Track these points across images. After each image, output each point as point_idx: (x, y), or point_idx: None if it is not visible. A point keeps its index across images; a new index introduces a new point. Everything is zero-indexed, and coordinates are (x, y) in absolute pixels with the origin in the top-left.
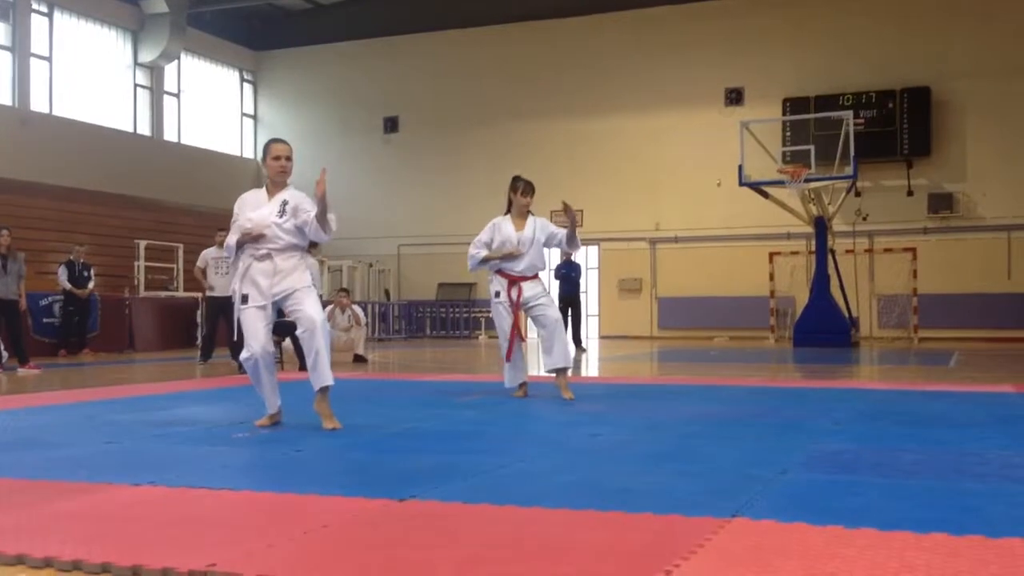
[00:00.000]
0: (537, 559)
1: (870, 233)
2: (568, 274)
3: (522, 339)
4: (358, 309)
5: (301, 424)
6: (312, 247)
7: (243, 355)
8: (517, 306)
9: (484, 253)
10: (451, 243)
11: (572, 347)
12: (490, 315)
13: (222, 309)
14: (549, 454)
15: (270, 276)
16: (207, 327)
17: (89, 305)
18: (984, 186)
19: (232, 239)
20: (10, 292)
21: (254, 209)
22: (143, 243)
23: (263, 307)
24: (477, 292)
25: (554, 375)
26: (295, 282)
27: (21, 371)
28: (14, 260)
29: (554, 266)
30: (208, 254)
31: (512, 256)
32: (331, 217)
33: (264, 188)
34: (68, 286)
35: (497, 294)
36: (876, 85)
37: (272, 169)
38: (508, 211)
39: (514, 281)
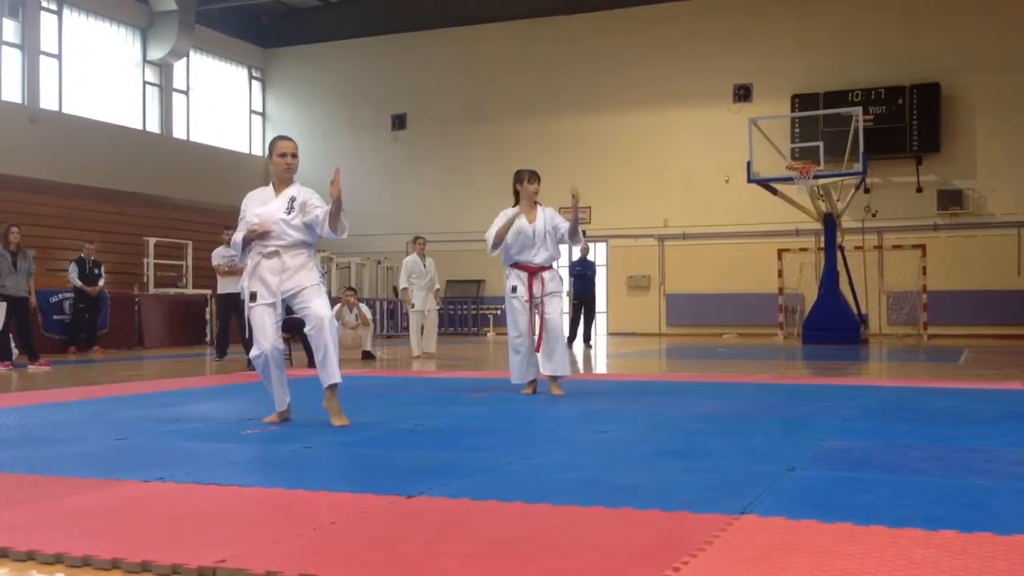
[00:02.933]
0: (545, 556)
1: (879, 230)
2: (583, 272)
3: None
4: (365, 308)
5: (310, 421)
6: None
7: (253, 352)
8: (539, 299)
9: (497, 228)
10: (459, 240)
11: (576, 348)
12: (498, 312)
13: (233, 305)
14: (557, 451)
15: (278, 273)
16: (220, 324)
17: (99, 302)
18: (994, 182)
19: (239, 236)
20: (20, 289)
21: (261, 205)
22: (152, 240)
23: (272, 304)
24: (486, 289)
25: (549, 375)
26: (303, 280)
27: (31, 367)
28: (24, 258)
29: (568, 264)
30: (218, 252)
31: (528, 248)
32: (343, 215)
33: (271, 185)
34: (78, 283)
35: (514, 289)
36: (885, 81)
37: (278, 166)
38: (516, 203)
39: (534, 273)
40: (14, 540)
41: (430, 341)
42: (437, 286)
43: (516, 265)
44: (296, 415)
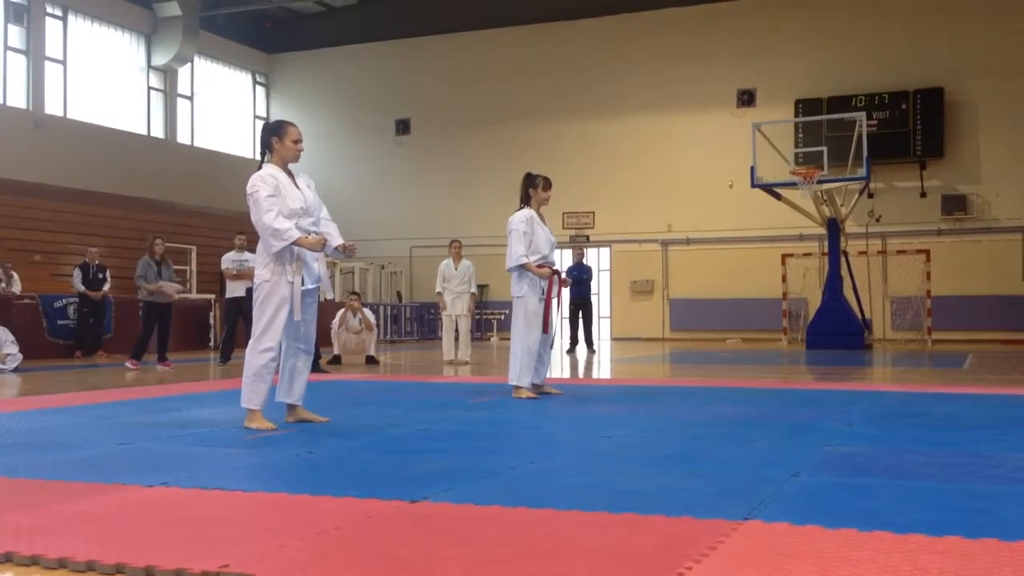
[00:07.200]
0: (549, 561)
1: (883, 235)
2: (580, 276)
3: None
4: (368, 312)
5: (311, 426)
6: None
7: (265, 345)
8: (550, 297)
9: (525, 260)
10: (463, 244)
11: (579, 353)
12: (501, 317)
13: (240, 309)
14: (561, 455)
15: (318, 260)
16: (227, 328)
17: (103, 307)
18: (997, 187)
19: (291, 230)
20: (165, 296)
21: (294, 190)
22: None
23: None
24: (489, 294)
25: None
26: (323, 273)
27: (159, 367)
28: (167, 267)
29: (565, 268)
30: (228, 257)
31: (552, 250)
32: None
33: (275, 167)
34: (82, 288)
35: (543, 291)
36: (889, 86)
37: (292, 152)
38: (523, 206)
39: (554, 272)
40: (18, 544)
41: (462, 348)
42: (472, 290)
43: (541, 266)
44: (292, 420)
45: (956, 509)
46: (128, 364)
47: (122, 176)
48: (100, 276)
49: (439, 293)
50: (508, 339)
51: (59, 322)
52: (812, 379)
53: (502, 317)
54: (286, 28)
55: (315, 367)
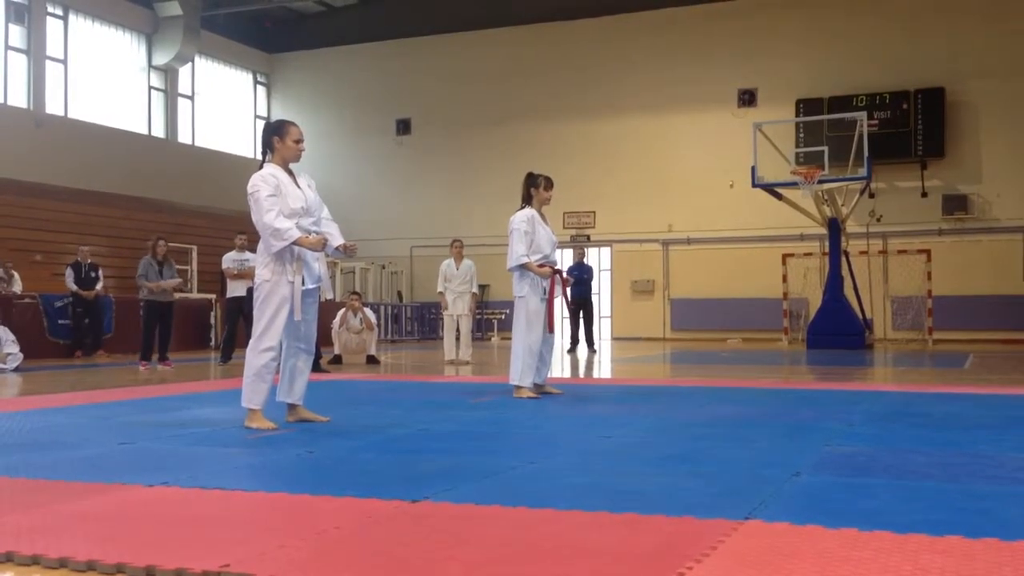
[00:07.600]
0: (549, 561)
1: (884, 234)
2: (580, 276)
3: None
4: (369, 312)
5: (312, 426)
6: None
7: (265, 343)
8: (552, 297)
9: (526, 259)
10: (464, 244)
11: (580, 353)
12: (502, 317)
13: (241, 309)
14: (561, 455)
15: (318, 260)
16: (228, 328)
17: (98, 306)
18: (998, 187)
19: (291, 229)
20: (166, 296)
21: (295, 189)
22: None
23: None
24: (490, 294)
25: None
26: (323, 273)
27: (159, 367)
28: (169, 267)
29: (566, 268)
30: (229, 257)
31: (552, 250)
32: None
33: (275, 166)
34: (74, 287)
35: (544, 291)
36: (890, 86)
37: (293, 152)
38: (524, 205)
39: (555, 271)
40: (19, 544)
41: (463, 348)
42: (474, 290)
43: (542, 266)
44: (291, 419)
45: (956, 509)
46: (141, 368)
47: (123, 176)
48: (93, 275)
49: (441, 293)
50: (509, 339)
51: (60, 322)
52: (813, 379)
53: (503, 317)
54: (287, 28)
55: (316, 367)
